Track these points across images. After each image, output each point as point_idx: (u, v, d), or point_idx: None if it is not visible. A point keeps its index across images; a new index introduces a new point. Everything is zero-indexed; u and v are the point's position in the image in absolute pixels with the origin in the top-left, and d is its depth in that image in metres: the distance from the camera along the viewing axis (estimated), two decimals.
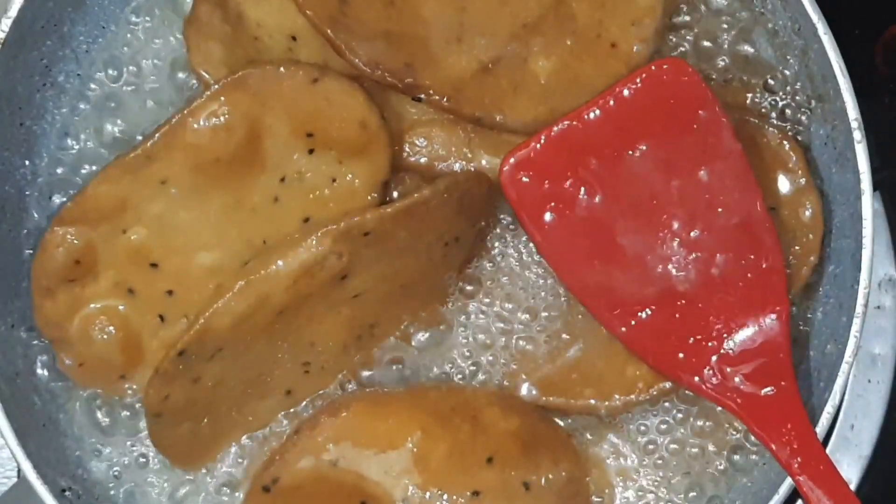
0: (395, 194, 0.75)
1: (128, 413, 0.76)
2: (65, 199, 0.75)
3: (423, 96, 0.72)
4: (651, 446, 0.77)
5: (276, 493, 0.73)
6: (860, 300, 0.72)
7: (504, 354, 0.76)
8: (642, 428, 0.77)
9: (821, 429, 0.72)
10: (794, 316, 0.76)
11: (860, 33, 0.80)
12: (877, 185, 0.74)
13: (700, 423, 0.77)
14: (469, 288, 0.77)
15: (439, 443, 0.73)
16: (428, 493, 0.73)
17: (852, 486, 0.83)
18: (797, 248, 0.75)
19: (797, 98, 0.76)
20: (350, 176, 0.72)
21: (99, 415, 0.76)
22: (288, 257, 0.69)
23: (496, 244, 0.77)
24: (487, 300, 0.77)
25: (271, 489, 0.73)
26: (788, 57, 0.76)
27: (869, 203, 0.72)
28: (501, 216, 0.76)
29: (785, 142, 0.75)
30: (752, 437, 0.75)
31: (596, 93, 0.72)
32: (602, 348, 0.75)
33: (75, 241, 0.71)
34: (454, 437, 0.73)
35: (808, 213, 0.75)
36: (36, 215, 0.76)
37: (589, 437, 0.77)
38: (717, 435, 0.77)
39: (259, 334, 0.71)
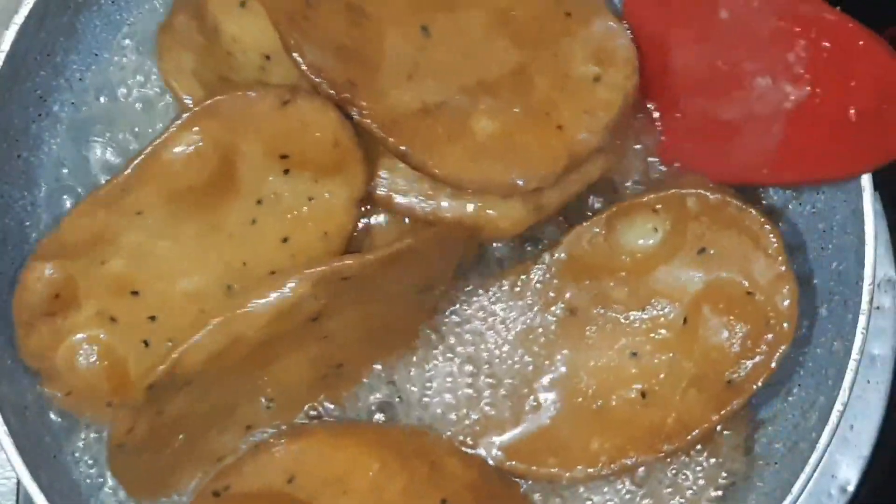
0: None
1: None
2: None
3: (354, 115, 0.71)
4: None
5: (224, 499, 0.73)
6: (865, 296, 0.72)
7: (469, 413, 0.76)
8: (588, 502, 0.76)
9: (831, 427, 0.72)
10: (800, 314, 0.76)
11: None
12: (877, 186, 0.74)
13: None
14: (433, 337, 0.76)
15: (396, 479, 0.73)
16: None
17: (851, 487, 0.83)
18: (769, 336, 0.74)
19: None
20: (327, 194, 0.72)
21: None
22: (265, 297, 0.69)
23: (465, 307, 0.76)
24: (451, 355, 0.76)
25: (221, 494, 0.73)
26: None
27: (870, 199, 0.72)
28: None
29: (766, 226, 0.74)
30: None
31: (527, 166, 0.71)
32: (570, 418, 0.75)
33: (54, 276, 0.71)
34: (411, 476, 0.73)
35: (785, 302, 0.73)
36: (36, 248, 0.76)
37: (538, 498, 0.76)
38: None
39: (227, 370, 0.71)
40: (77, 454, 0.76)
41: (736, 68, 0.73)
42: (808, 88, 0.72)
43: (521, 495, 0.76)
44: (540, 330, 0.76)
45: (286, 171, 0.71)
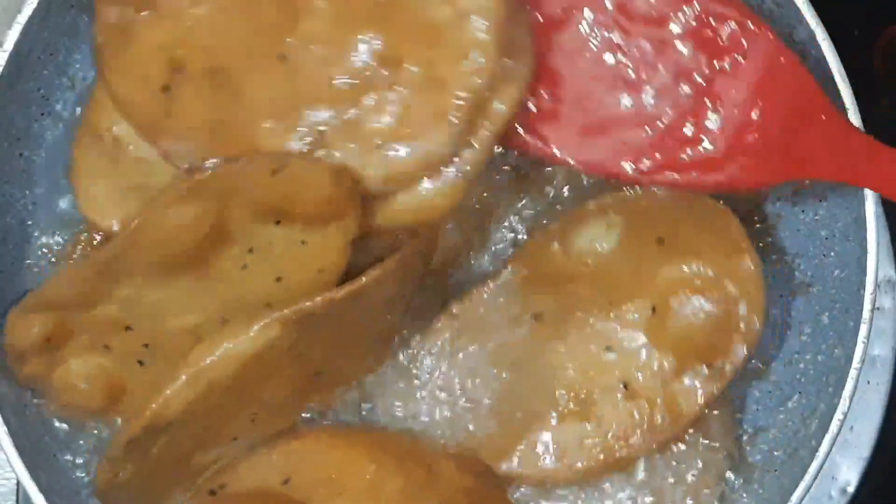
0: None
1: None
2: (66, 238, 0.76)
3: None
4: None
5: (220, 498, 0.73)
6: (867, 305, 0.72)
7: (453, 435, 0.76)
8: None
9: (831, 435, 0.72)
10: (801, 322, 0.77)
11: (858, 35, 0.80)
12: None
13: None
14: (407, 367, 0.76)
15: (392, 481, 0.73)
16: None
17: (851, 489, 0.83)
18: (742, 313, 0.74)
19: None
20: (320, 238, 0.71)
21: None
22: (234, 344, 0.68)
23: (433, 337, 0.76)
24: (423, 383, 0.76)
25: (217, 493, 0.73)
26: None
27: (872, 206, 0.72)
28: None
29: (719, 208, 0.74)
30: None
31: (426, 136, 0.70)
32: (558, 422, 0.75)
33: (44, 324, 0.71)
34: (407, 479, 0.73)
35: (750, 278, 0.73)
36: (38, 247, 0.76)
37: None
38: None
39: (207, 406, 0.70)
40: (77, 455, 0.76)
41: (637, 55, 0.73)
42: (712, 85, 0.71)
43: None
44: (511, 345, 0.75)
45: (277, 222, 0.70)
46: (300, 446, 0.74)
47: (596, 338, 0.75)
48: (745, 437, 0.78)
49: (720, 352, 0.74)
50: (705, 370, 0.74)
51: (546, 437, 0.75)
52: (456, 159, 0.72)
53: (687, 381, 0.74)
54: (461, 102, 0.70)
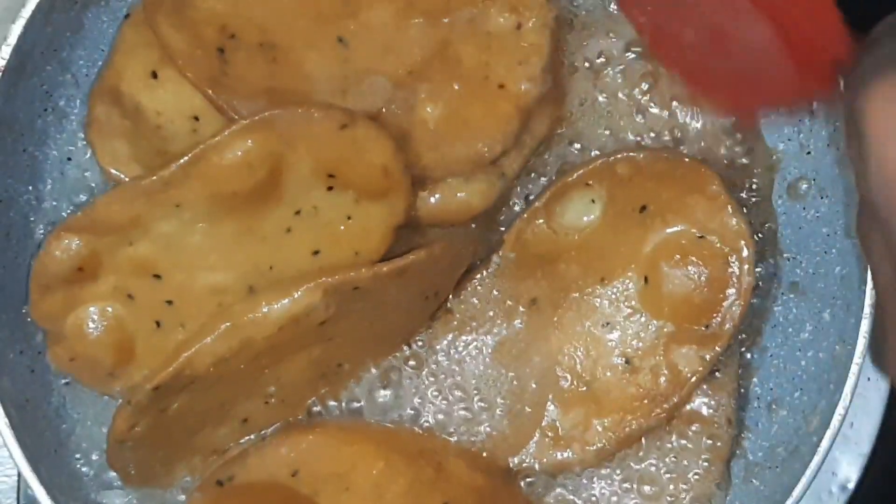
0: None
1: None
2: None
3: None
4: None
5: (228, 489, 0.73)
6: (868, 302, 0.72)
7: (468, 435, 0.76)
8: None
9: (832, 431, 0.72)
10: (803, 318, 0.77)
11: (859, 33, 0.79)
12: None
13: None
14: (417, 369, 0.77)
15: (400, 478, 0.74)
16: None
17: (851, 485, 0.83)
18: (733, 271, 0.74)
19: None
20: (366, 216, 0.72)
21: None
22: (276, 304, 0.69)
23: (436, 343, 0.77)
24: (437, 381, 0.77)
25: (224, 484, 0.73)
26: None
27: None
28: None
29: (701, 168, 0.74)
30: None
31: (484, 135, 0.72)
32: (565, 408, 0.75)
33: (80, 249, 0.71)
34: (415, 476, 0.74)
35: (737, 235, 0.74)
36: (41, 243, 0.75)
37: (540, 490, 0.77)
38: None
39: (233, 370, 0.71)
40: (77, 449, 0.76)
41: None
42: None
43: (525, 499, 0.76)
44: (512, 338, 0.76)
45: (330, 188, 0.71)
46: (310, 441, 0.74)
47: (593, 316, 0.75)
48: (746, 434, 0.78)
49: (716, 310, 0.74)
50: (703, 330, 0.74)
51: (556, 425, 0.75)
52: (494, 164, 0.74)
53: (686, 345, 0.75)
54: (520, 106, 0.72)
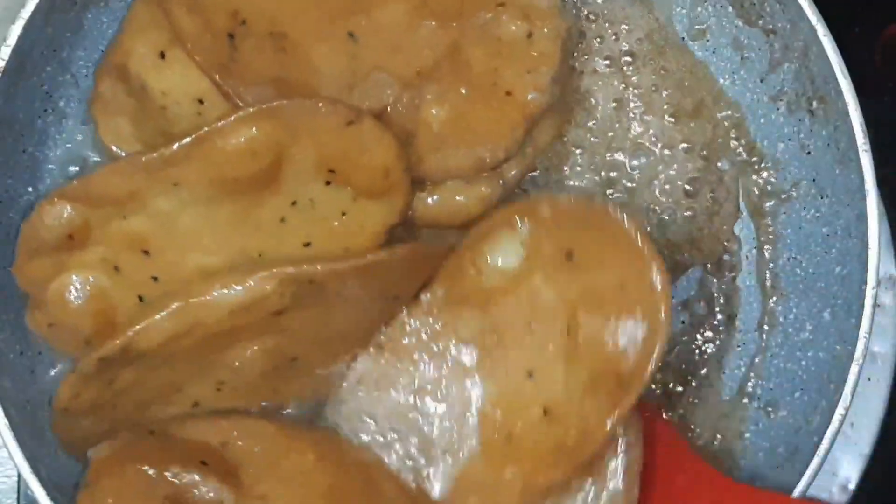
0: None
1: None
2: None
3: None
4: None
5: (158, 435, 0.72)
6: (868, 300, 0.72)
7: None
8: None
9: (832, 431, 0.72)
10: (803, 318, 0.77)
11: (860, 32, 0.80)
12: (878, 183, 0.74)
13: None
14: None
15: (327, 477, 0.73)
16: None
17: (851, 485, 0.84)
18: (646, 323, 0.71)
19: (798, 99, 0.77)
20: (362, 214, 0.72)
21: None
22: (228, 290, 0.69)
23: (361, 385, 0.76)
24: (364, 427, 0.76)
25: (156, 432, 0.72)
26: (788, 58, 0.76)
27: (874, 204, 0.72)
28: None
29: (620, 217, 0.72)
30: None
31: (488, 141, 0.72)
32: (485, 454, 0.74)
33: (72, 217, 0.71)
34: (343, 481, 0.73)
35: (656, 285, 0.71)
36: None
37: None
38: None
39: (181, 351, 0.70)
40: None
41: None
42: None
43: None
44: (443, 379, 0.75)
45: (328, 183, 0.71)
46: (253, 422, 0.73)
47: (517, 363, 0.74)
48: (747, 435, 0.78)
49: (629, 364, 0.72)
50: (614, 384, 0.72)
51: (473, 472, 0.74)
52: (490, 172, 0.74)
53: (598, 397, 0.72)
54: (526, 114, 0.72)
